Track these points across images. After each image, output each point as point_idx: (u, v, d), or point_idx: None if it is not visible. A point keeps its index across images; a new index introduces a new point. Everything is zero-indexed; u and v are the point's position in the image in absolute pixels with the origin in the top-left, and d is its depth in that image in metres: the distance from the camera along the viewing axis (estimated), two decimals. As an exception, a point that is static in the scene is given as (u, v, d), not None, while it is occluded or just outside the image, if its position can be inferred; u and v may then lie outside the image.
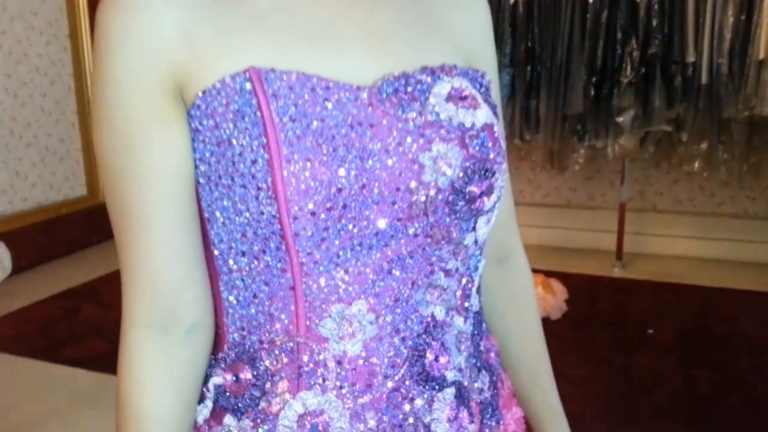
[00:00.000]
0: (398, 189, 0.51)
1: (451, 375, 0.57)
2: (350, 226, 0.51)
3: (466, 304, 0.59)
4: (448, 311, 0.57)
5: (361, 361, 0.54)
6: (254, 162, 0.49)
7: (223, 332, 0.57)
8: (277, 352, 0.54)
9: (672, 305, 2.89)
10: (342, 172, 0.49)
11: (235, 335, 0.56)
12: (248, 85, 0.49)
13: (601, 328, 2.70)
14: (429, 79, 0.54)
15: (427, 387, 0.56)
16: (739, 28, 2.70)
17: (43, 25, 3.57)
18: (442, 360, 0.56)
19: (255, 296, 0.55)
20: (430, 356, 0.56)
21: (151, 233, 0.53)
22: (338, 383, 0.54)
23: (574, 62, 2.91)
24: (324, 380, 0.54)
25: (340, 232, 0.51)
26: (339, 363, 0.53)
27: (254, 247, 0.53)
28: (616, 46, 2.86)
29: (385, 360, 0.54)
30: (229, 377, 0.56)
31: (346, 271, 0.52)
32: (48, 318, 2.86)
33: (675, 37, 2.78)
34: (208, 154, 0.52)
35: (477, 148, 0.53)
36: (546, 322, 2.71)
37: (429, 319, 0.56)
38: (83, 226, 3.74)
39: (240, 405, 0.56)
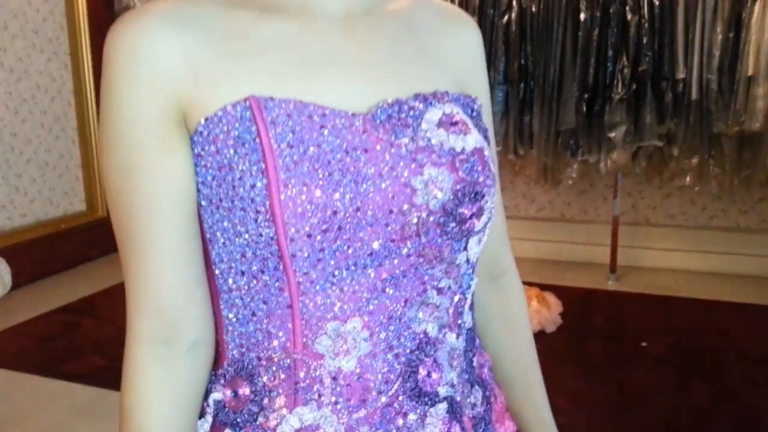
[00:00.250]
0: (391, 211, 0.54)
1: (443, 390, 0.59)
2: (345, 247, 0.53)
3: (459, 321, 0.62)
4: (441, 328, 0.59)
5: (355, 377, 0.56)
6: (253, 186, 0.52)
7: (223, 349, 0.59)
8: (274, 368, 0.57)
9: (666, 318, 2.92)
10: (337, 195, 0.52)
11: (235, 352, 0.59)
12: (248, 113, 0.52)
13: (596, 341, 2.73)
14: (421, 106, 0.57)
15: (420, 402, 0.58)
16: (728, 45, 2.75)
17: (44, 43, 3.61)
18: (435, 376, 0.59)
19: (254, 314, 0.57)
20: (422, 372, 0.58)
21: (155, 253, 0.55)
22: (333, 399, 0.56)
23: (567, 79, 2.96)
24: (320, 396, 0.56)
25: (335, 253, 0.53)
26: (334, 379, 0.56)
27: (253, 267, 0.55)
28: (607, 63, 2.91)
29: (379, 376, 0.56)
30: (229, 393, 0.58)
31: (342, 290, 0.55)
32: (47, 333, 2.87)
33: (665, 54, 2.83)
34: (209, 178, 0.54)
35: (467, 171, 0.56)
36: (541, 335, 2.73)
37: (422, 336, 0.58)
38: (82, 241, 3.76)
39: (239, 420, 0.58)
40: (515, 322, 0.75)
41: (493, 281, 0.74)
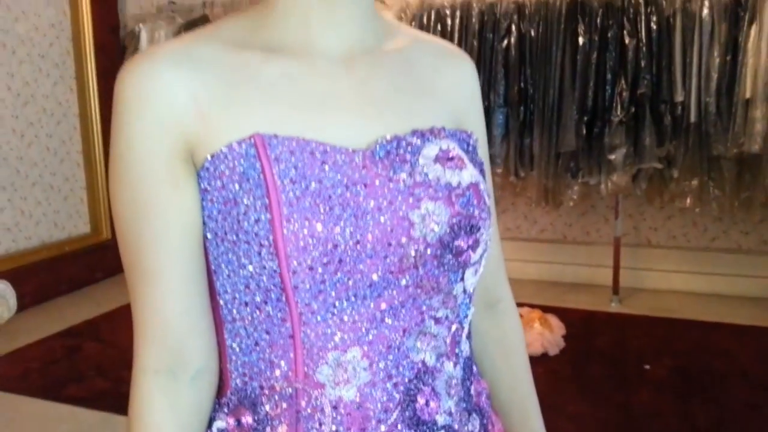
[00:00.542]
0: (390, 244, 0.55)
1: (441, 419, 0.61)
2: (346, 279, 0.55)
3: (456, 350, 0.63)
4: (439, 357, 0.61)
5: (355, 406, 0.57)
6: (257, 221, 0.54)
7: (227, 378, 0.61)
8: (276, 397, 0.58)
9: (668, 340, 2.91)
10: (338, 229, 0.54)
11: (238, 381, 0.60)
12: (253, 150, 0.54)
13: (599, 363, 2.72)
14: (419, 142, 0.59)
15: (418, 431, 0.59)
16: (725, 69, 2.78)
17: (50, 68, 3.67)
18: (433, 404, 0.60)
19: (257, 344, 0.59)
20: (421, 401, 0.59)
21: (162, 284, 0.57)
22: (334, 427, 0.57)
23: (566, 102, 2.99)
24: (321, 424, 0.57)
25: (336, 285, 0.55)
26: (335, 408, 0.57)
27: (256, 298, 0.57)
28: (606, 86, 2.95)
29: (379, 405, 0.58)
30: (232, 421, 0.60)
31: (342, 320, 0.56)
32: (50, 356, 2.88)
33: (663, 78, 2.87)
34: (215, 212, 0.56)
35: (463, 205, 0.58)
36: (544, 358, 2.73)
37: (420, 365, 0.59)
38: (86, 263, 3.78)
39: None
40: (512, 349, 0.77)
41: (489, 309, 0.75)
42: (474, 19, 3.13)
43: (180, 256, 0.57)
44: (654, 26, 2.86)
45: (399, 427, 0.59)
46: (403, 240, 0.56)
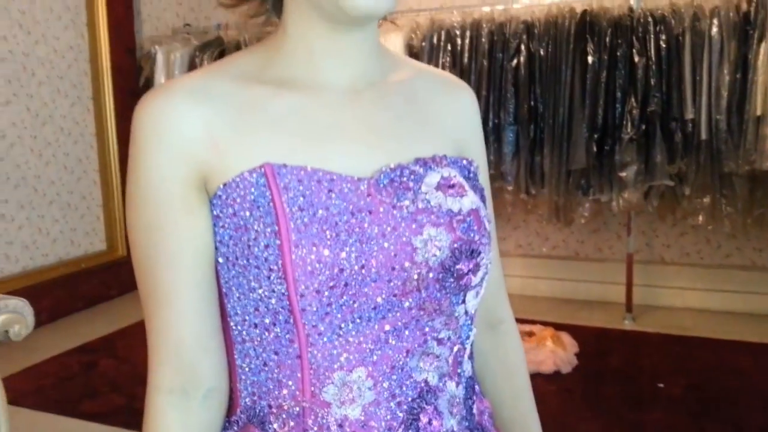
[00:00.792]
0: (393, 268, 0.58)
1: None
2: (351, 302, 0.57)
3: (459, 370, 0.65)
4: (441, 377, 0.63)
5: (360, 425, 0.59)
6: (267, 246, 0.56)
7: (237, 397, 0.63)
8: (284, 416, 0.60)
9: (682, 358, 2.89)
10: (344, 254, 0.56)
11: (247, 400, 0.62)
12: (263, 179, 0.57)
13: (612, 382, 2.71)
14: (421, 170, 0.62)
15: None
16: (736, 86, 2.79)
17: (68, 88, 3.75)
18: (435, 423, 0.62)
19: (265, 364, 0.61)
20: (423, 420, 0.61)
21: (175, 306, 0.60)
22: None
23: (576, 120, 3.01)
24: None
25: (341, 307, 0.57)
26: (340, 426, 0.59)
27: (265, 320, 0.59)
28: (616, 104, 2.96)
29: (383, 423, 0.60)
30: (241, 439, 0.62)
31: (347, 341, 0.58)
32: (66, 372, 2.91)
33: (673, 95, 2.88)
34: (227, 238, 0.59)
35: (464, 231, 0.60)
36: (556, 376, 2.72)
37: (423, 384, 0.61)
38: (102, 280, 3.83)
39: None
40: (513, 368, 0.78)
41: (491, 330, 0.77)
42: (484, 39, 3.16)
43: (193, 280, 0.60)
44: (663, 44, 2.88)
45: (403, 445, 0.60)
46: (407, 264, 0.58)
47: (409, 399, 0.61)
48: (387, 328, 0.59)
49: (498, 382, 0.78)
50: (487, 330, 0.77)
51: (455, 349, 0.64)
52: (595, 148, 3.03)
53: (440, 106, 0.71)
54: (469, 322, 0.65)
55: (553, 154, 3.09)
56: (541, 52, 3.07)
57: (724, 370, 2.75)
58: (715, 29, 2.80)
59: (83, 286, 3.74)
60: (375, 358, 0.59)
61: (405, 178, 0.60)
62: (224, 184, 0.58)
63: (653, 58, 2.89)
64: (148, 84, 3.97)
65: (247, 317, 0.61)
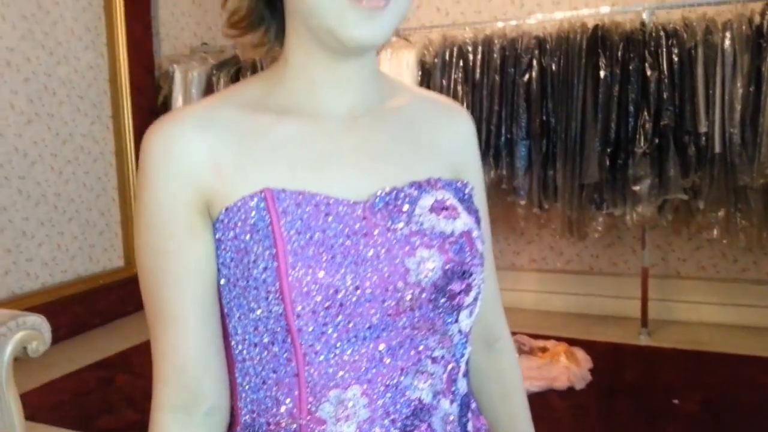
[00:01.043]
0: (387, 289, 0.59)
1: None
2: (346, 322, 0.59)
3: (453, 388, 0.66)
4: (435, 395, 0.64)
5: None
6: (266, 268, 0.58)
7: (237, 414, 0.65)
8: None
9: (698, 374, 2.86)
10: (339, 276, 0.58)
11: (247, 417, 0.64)
12: (263, 204, 0.59)
13: (627, 398, 2.68)
14: (416, 193, 0.63)
15: None
16: (749, 100, 2.77)
17: (88, 107, 3.83)
18: None
19: (264, 382, 0.62)
20: None
21: (179, 326, 0.62)
22: None
23: (588, 134, 3.01)
24: None
25: (337, 327, 0.59)
26: None
27: (264, 339, 0.61)
28: (628, 118, 2.96)
29: None
30: (241, 455, 0.64)
31: (343, 360, 0.60)
32: (83, 388, 2.95)
33: (686, 109, 2.87)
34: (228, 260, 0.61)
35: (456, 252, 0.62)
36: (570, 392, 2.70)
37: (417, 402, 0.62)
38: (120, 296, 3.88)
39: None
40: (510, 386, 0.79)
41: (488, 348, 0.78)
42: (495, 55, 3.19)
43: (196, 300, 0.62)
44: (676, 58, 2.88)
45: (397, 462, 0.62)
46: (400, 285, 0.59)
47: (404, 416, 0.62)
48: (382, 347, 0.60)
49: (494, 400, 0.79)
50: (483, 348, 0.78)
51: (449, 367, 0.65)
52: (608, 162, 3.02)
53: (437, 130, 0.72)
54: (464, 340, 0.67)
55: (566, 169, 3.09)
56: (553, 67, 3.08)
57: (741, 386, 2.71)
58: (727, 42, 2.79)
59: (101, 302, 3.79)
60: (370, 376, 0.61)
61: (399, 201, 0.62)
62: (226, 208, 0.60)
63: (666, 72, 2.88)
64: (167, 102, 4.04)
65: (247, 337, 0.63)
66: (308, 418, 0.61)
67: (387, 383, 0.61)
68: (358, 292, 0.58)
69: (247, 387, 0.64)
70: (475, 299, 0.64)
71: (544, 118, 3.12)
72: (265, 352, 0.62)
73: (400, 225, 0.61)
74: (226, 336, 0.65)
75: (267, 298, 0.59)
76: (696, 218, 3.01)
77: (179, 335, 0.62)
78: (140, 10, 4.06)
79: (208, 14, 4.53)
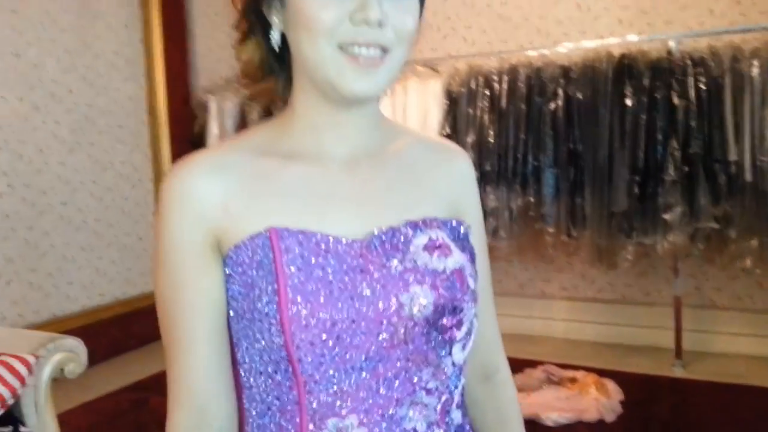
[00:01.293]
0: (382, 323, 0.63)
1: None
2: (343, 353, 0.63)
3: (447, 419, 0.69)
4: (429, 425, 0.67)
5: None
6: (268, 302, 0.63)
7: (244, 438, 0.69)
8: None
9: (734, 408, 2.78)
10: (336, 310, 0.62)
11: (252, 441, 0.68)
12: (267, 242, 0.64)
13: (659, 431, 2.62)
14: (411, 232, 0.67)
15: None
16: (779, 128, 2.74)
17: (127, 136, 3.99)
18: None
19: (269, 408, 0.67)
20: None
21: (192, 354, 0.67)
22: None
23: (616, 162, 3.00)
24: None
25: (335, 358, 0.63)
26: None
27: (269, 368, 0.65)
28: (657, 146, 2.94)
29: None
30: (248, 478, 0.67)
31: (341, 390, 0.63)
32: (117, 409, 3.03)
33: (715, 137, 2.84)
34: (237, 294, 0.66)
35: (447, 289, 0.65)
36: (600, 424, 2.65)
37: (411, 431, 0.65)
38: (155, 319, 3.93)
39: None
40: (507, 418, 0.82)
41: (486, 380, 0.80)
42: (521, 83, 3.21)
43: (207, 330, 0.67)
44: (703, 87, 2.86)
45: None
46: (394, 319, 0.63)
47: (399, 446, 0.65)
48: (378, 378, 0.64)
49: (492, 431, 0.81)
50: (482, 380, 0.80)
51: (443, 398, 0.68)
52: (637, 190, 3.00)
53: (435, 171, 0.76)
54: (457, 372, 0.69)
55: (594, 197, 3.08)
56: (579, 96, 3.09)
57: (779, 422, 2.63)
58: (755, 70, 2.76)
59: (136, 325, 3.89)
60: (366, 405, 0.64)
61: (395, 240, 0.66)
62: (235, 246, 0.66)
63: (693, 100, 2.87)
64: (202, 131, 4.17)
65: (253, 365, 0.67)
66: (309, 444, 0.64)
67: (383, 413, 0.64)
68: (354, 325, 0.62)
69: (254, 412, 0.68)
70: (468, 333, 0.67)
71: (571, 146, 3.13)
72: (270, 380, 0.66)
73: (395, 262, 0.65)
74: (235, 364, 0.69)
75: (269, 330, 0.63)
76: (728, 247, 2.95)
77: (191, 362, 0.67)
78: (178, 43, 4.23)
79: (243, 46, 4.68)
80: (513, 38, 3.76)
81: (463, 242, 0.71)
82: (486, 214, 3.34)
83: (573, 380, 2.95)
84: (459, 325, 0.65)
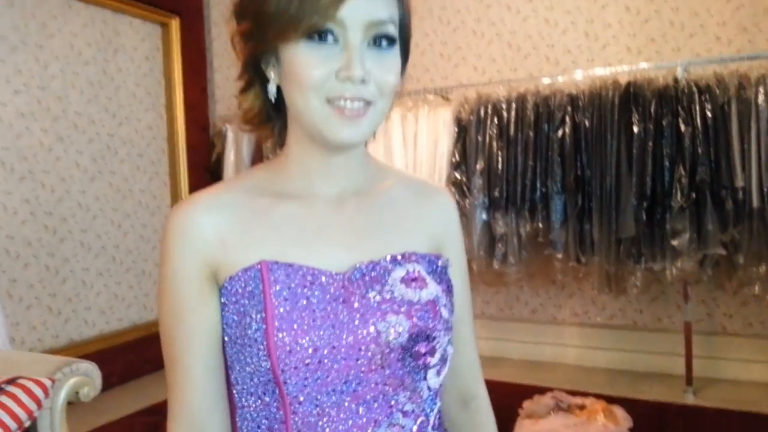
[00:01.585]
0: (360, 349, 0.68)
1: None
2: (325, 377, 0.68)
3: (423, 440, 0.74)
4: (406, 446, 0.71)
5: None
6: (257, 329, 0.69)
7: (237, 455, 0.74)
8: None
9: (746, 436, 2.76)
10: (317, 337, 0.68)
11: (243, 458, 0.73)
12: (258, 274, 0.70)
13: (668, 458, 2.61)
14: (390, 266, 0.73)
15: None
16: (786, 154, 2.75)
17: (146, 165, 4.11)
18: None
19: (259, 427, 0.72)
20: None
21: (189, 373, 0.73)
22: None
23: (624, 188, 3.03)
24: None
25: (317, 381, 0.68)
26: None
27: (258, 390, 0.71)
28: (664, 172, 2.97)
29: None
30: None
31: (323, 411, 0.69)
32: (130, 433, 3.08)
33: (722, 163, 2.86)
34: (231, 321, 0.72)
35: (421, 318, 0.71)
36: (608, 450, 2.65)
37: None
38: (169, 343, 4.04)
39: None
40: None
41: (464, 405, 0.85)
42: (529, 111, 3.27)
43: (205, 355, 0.73)
44: (709, 114, 2.89)
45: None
46: (372, 346, 0.68)
47: (377, 465, 0.69)
48: (357, 400, 0.69)
49: None
50: (460, 405, 0.85)
51: (419, 420, 0.73)
52: (644, 217, 3.02)
53: (419, 209, 0.83)
54: (433, 396, 0.74)
55: (602, 223, 3.10)
56: (586, 123, 3.14)
57: (792, 450, 2.60)
58: (761, 97, 2.79)
59: (151, 349, 3.95)
60: (347, 426, 0.69)
61: (375, 273, 0.72)
62: (230, 277, 0.72)
63: (700, 127, 2.90)
64: (220, 160, 4.28)
65: (245, 387, 0.73)
66: (294, 461, 0.69)
67: None
68: (335, 350, 0.67)
69: (245, 430, 0.74)
70: (442, 360, 0.72)
71: (579, 172, 3.17)
72: (259, 401, 0.71)
73: (374, 294, 0.71)
74: (229, 385, 0.75)
75: (258, 355, 0.69)
76: (737, 273, 2.96)
77: (189, 383, 0.73)
78: (197, 74, 4.37)
79: (259, 76, 4.81)
80: (522, 67, 3.83)
81: (441, 275, 0.76)
82: (495, 240, 3.37)
83: (581, 407, 2.94)
84: (432, 352, 0.70)
